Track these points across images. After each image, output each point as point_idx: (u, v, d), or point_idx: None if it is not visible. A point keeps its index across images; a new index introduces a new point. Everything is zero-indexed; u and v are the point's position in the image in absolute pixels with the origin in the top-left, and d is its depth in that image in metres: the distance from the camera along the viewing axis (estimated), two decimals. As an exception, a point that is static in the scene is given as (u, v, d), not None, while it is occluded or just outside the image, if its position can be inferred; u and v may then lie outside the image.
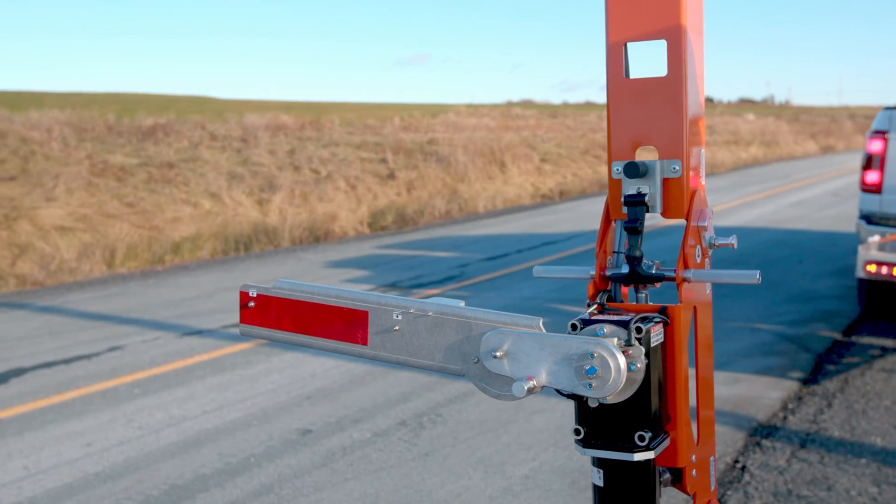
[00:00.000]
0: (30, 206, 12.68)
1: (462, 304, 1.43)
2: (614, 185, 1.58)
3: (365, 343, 1.47)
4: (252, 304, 1.52)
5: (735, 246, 1.59)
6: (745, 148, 33.49)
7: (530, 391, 1.32)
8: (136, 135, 18.18)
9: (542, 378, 1.34)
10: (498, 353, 1.36)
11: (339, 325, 1.48)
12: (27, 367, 6.85)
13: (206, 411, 5.71)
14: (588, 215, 16.45)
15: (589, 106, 55.30)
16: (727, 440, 4.97)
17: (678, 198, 1.53)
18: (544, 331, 1.35)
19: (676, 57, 1.50)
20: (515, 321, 1.38)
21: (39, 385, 6.37)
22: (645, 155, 1.60)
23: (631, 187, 1.54)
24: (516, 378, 1.35)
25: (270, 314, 1.53)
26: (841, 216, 14.53)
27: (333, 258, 12.27)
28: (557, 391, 1.44)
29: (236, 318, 8.41)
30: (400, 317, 1.44)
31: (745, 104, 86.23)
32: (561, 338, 1.33)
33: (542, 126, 30.76)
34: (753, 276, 1.47)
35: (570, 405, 5.36)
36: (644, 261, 1.54)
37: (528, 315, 1.36)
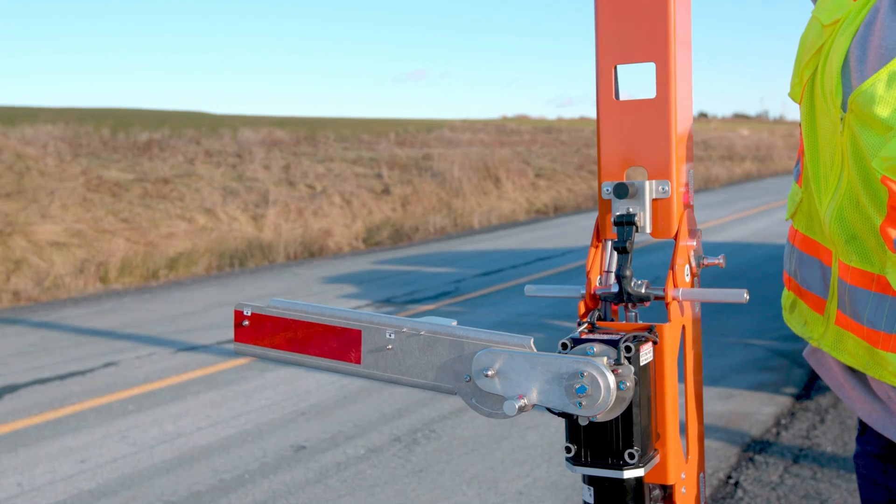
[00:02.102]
0: (25, 221, 12.68)
1: (454, 323, 1.45)
2: (604, 204, 1.61)
3: (358, 362, 1.48)
4: (247, 322, 1.54)
5: (723, 265, 1.61)
6: (739, 163, 33.61)
7: (521, 409, 1.34)
8: (131, 150, 18.22)
9: (533, 396, 1.36)
10: (489, 372, 1.38)
11: (333, 343, 1.49)
12: (21, 384, 6.84)
13: (200, 427, 5.71)
14: (583, 230, 16.49)
15: (584, 121, 55.43)
16: (720, 456, 4.99)
17: (667, 218, 1.55)
18: (535, 350, 1.37)
19: (665, 80, 1.53)
20: (507, 340, 1.40)
21: (33, 401, 6.37)
22: (634, 174, 1.62)
23: (620, 207, 1.57)
24: (508, 396, 1.37)
25: (264, 333, 1.54)
26: (834, 231, 14.57)
27: (328, 274, 12.28)
28: (548, 409, 1.46)
29: (231, 333, 8.44)
30: (393, 336, 1.46)
31: (740, 119, 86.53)
32: (551, 357, 1.35)
33: (536, 141, 30.85)
34: (741, 296, 1.49)
35: (564, 421, 5.35)
36: (633, 280, 1.56)
37: (519, 334, 1.38)
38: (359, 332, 1.47)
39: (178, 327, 8.82)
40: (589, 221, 18.00)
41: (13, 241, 12.14)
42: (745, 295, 1.49)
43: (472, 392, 1.42)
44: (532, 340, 1.38)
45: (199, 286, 11.67)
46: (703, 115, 78.32)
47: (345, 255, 14.58)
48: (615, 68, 1.58)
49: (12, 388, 6.71)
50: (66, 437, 5.59)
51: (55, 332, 8.78)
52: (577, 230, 16.70)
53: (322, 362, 1.51)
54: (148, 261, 12.61)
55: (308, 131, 25.87)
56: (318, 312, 1.50)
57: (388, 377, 1.47)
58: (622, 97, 1.59)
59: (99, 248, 12.64)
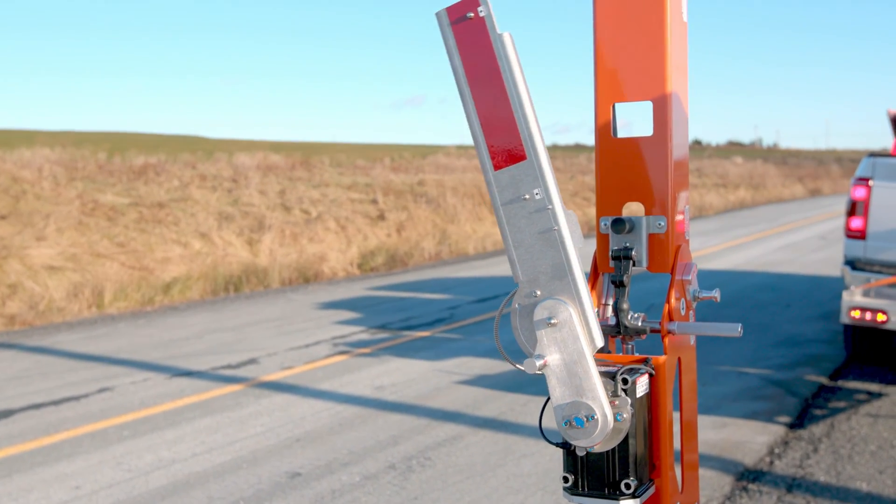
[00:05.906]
0: (20, 245, 12.69)
1: (578, 246, 1.43)
2: (602, 238, 1.64)
3: (495, 169, 1.44)
4: (471, 15, 1.41)
5: (718, 299, 1.65)
6: (733, 191, 33.76)
7: (538, 370, 1.40)
8: (126, 174, 18.23)
9: (550, 366, 1.41)
10: (553, 321, 1.40)
11: (500, 133, 1.44)
12: (15, 409, 6.83)
13: (195, 454, 5.71)
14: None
15: (578, 148, 55.64)
16: (714, 484, 5.00)
17: (663, 253, 1.59)
18: (592, 357, 1.39)
19: (662, 118, 1.57)
20: (589, 318, 1.39)
21: (28, 427, 6.36)
22: (631, 209, 1.66)
23: (618, 242, 1.61)
24: (539, 350, 1.41)
25: (470, 43, 1.42)
26: (828, 260, 14.64)
27: (324, 299, 12.29)
28: (546, 439, 1.49)
29: (226, 360, 8.45)
30: (539, 197, 1.42)
31: (734, 147, 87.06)
32: (595, 371, 1.39)
33: (531, 168, 30.91)
34: (735, 329, 1.53)
35: (558, 449, 5.35)
36: (631, 313, 1.60)
37: (600, 326, 1.40)
38: (522, 158, 1.43)
39: (173, 353, 8.82)
40: (584, 249, 18.01)
41: (8, 264, 12.14)
42: (739, 329, 1.53)
43: (527, 304, 1.43)
44: (602, 344, 1.41)
45: (194, 311, 11.66)
46: (696, 143, 78.73)
47: (340, 280, 14.60)
48: (613, 106, 1.62)
49: (7, 414, 6.70)
50: (60, 463, 5.58)
51: (50, 357, 8.77)
52: (571, 257, 16.72)
53: (476, 128, 1.43)
54: (143, 285, 12.61)
55: (303, 156, 25.92)
56: (521, 102, 1.41)
57: (496, 208, 1.43)
58: (620, 134, 1.63)
59: (94, 272, 12.64)
